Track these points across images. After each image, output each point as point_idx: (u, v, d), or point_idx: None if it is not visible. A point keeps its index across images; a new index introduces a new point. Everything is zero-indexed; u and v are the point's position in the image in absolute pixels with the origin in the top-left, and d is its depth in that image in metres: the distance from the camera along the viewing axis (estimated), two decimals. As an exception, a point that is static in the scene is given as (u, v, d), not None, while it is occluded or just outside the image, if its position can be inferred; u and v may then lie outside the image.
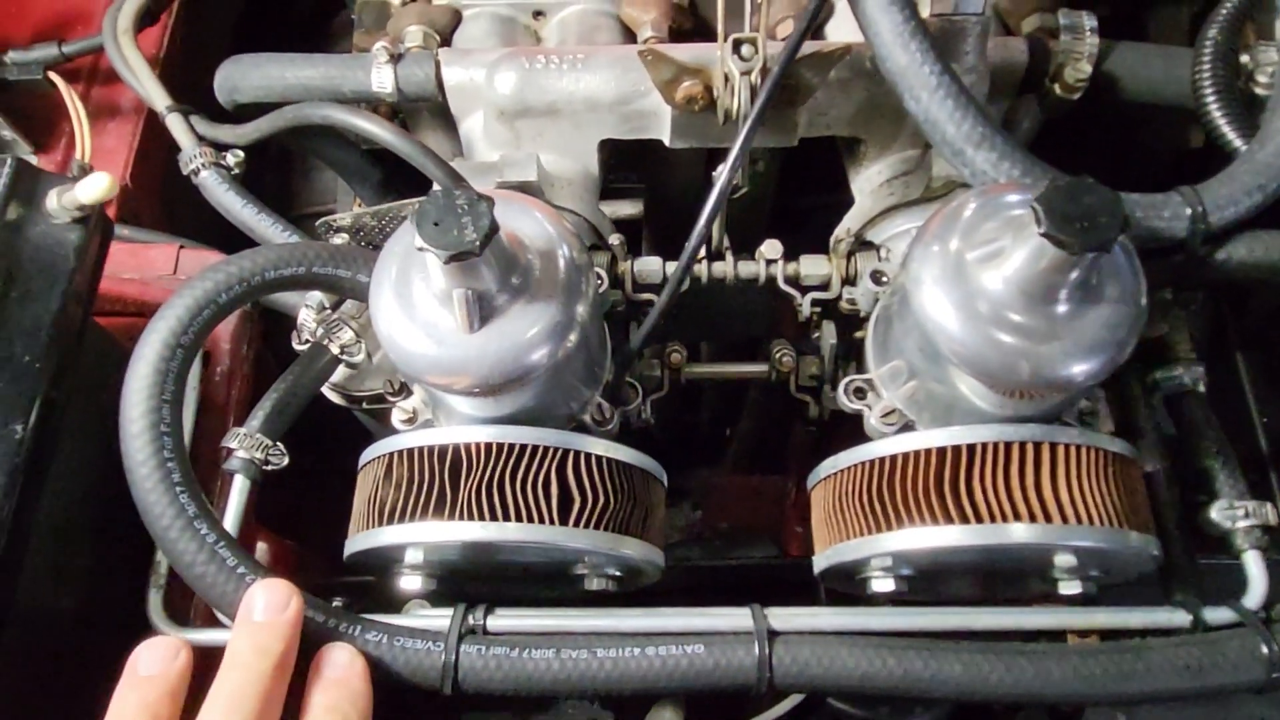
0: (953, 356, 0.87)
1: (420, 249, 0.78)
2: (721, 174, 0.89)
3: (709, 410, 1.95)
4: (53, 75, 1.24)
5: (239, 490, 1.01)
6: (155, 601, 0.98)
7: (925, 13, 1.06)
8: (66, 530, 1.00)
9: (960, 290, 0.86)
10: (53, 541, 0.97)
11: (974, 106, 0.96)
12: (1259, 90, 1.08)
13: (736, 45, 0.93)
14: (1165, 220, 0.94)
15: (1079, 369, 0.85)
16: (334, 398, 1.17)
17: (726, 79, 0.96)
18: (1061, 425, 0.95)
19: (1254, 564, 0.96)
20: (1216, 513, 0.98)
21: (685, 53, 1.05)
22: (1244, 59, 1.10)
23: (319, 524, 1.43)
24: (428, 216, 0.78)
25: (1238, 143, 1.03)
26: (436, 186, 1.09)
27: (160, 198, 1.36)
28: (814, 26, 0.88)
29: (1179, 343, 1.06)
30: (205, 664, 1.07)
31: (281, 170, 1.69)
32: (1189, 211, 0.94)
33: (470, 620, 0.92)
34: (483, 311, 0.84)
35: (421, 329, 0.87)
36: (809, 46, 1.00)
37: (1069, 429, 0.92)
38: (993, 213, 0.87)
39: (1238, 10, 1.08)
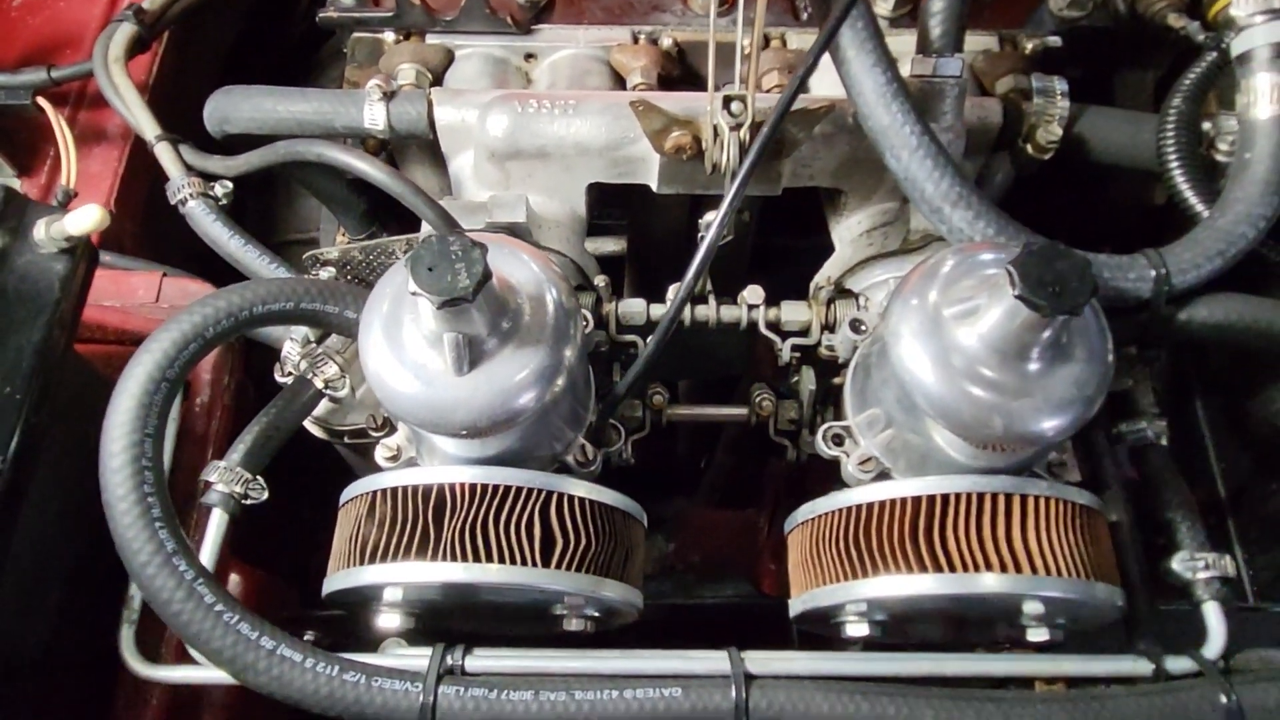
0: (929, 409, 0.89)
1: (414, 293, 0.79)
2: (712, 226, 0.92)
3: (684, 443, 1.96)
4: (41, 100, 1.24)
5: (216, 524, 1.00)
6: (127, 637, 0.97)
7: (906, 74, 1.10)
8: (38, 562, 0.98)
9: (937, 345, 0.88)
10: (24, 573, 0.95)
11: (951, 166, 1.00)
12: (1219, 157, 1.13)
13: (727, 101, 0.96)
14: (1131, 281, 0.98)
15: (1050, 424, 0.88)
16: (316, 431, 1.17)
17: (716, 132, 0.99)
18: (1032, 477, 0.98)
19: (1213, 614, 0.99)
20: (1178, 563, 1.01)
21: (675, 103, 1.08)
22: (1206, 126, 1.16)
23: (289, 552, 1.42)
24: (422, 261, 0.79)
25: (1199, 207, 1.08)
26: (427, 229, 1.10)
27: (144, 224, 1.35)
28: (798, 92, 0.91)
29: (1143, 397, 1.10)
30: (175, 702, 1.07)
31: (264, 197, 1.69)
32: (1154, 274, 0.98)
33: (449, 660, 0.92)
34: (472, 355, 0.85)
35: (411, 370, 0.87)
36: (796, 102, 1.03)
37: (1039, 481, 0.95)
38: (970, 271, 0.90)
39: (1201, 80, 1.13)
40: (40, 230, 0.93)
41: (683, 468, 2.01)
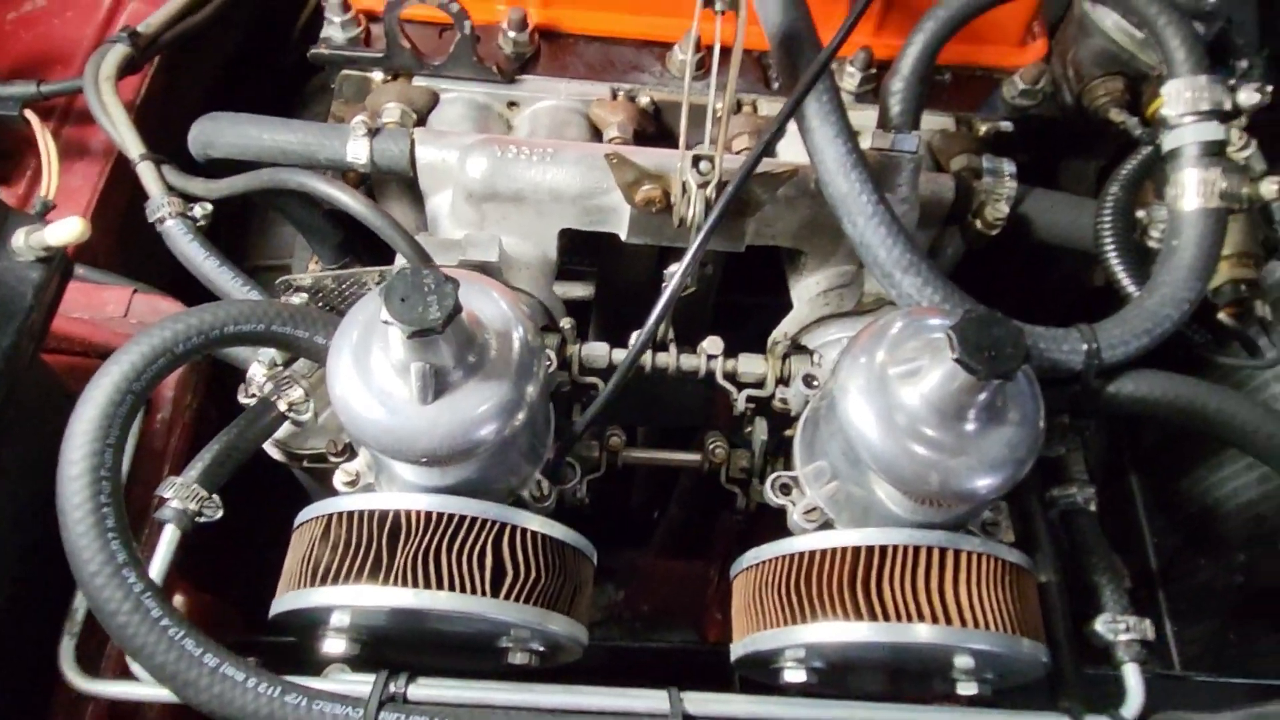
0: (871, 463, 0.94)
1: (386, 322, 0.82)
2: (674, 277, 0.96)
3: (640, 493, 1.99)
4: (28, 113, 1.26)
5: (168, 540, 1.01)
6: (68, 649, 0.97)
7: (867, 146, 1.17)
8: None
9: (882, 402, 0.93)
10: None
11: (904, 235, 1.06)
12: (1151, 243, 1.21)
13: (696, 160, 1.02)
14: (1064, 354, 1.05)
15: (983, 483, 0.92)
16: (275, 454, 1.18)
17: (684, 188, 1.05)
18: (967, 534, 1.03)
19: (1132, 676, 1.04)
20: (1101, 625, 1.06)
21: (647, 158, 1.14)
22: (1141, 214, 1.24)
23: (239, 577, 1.41)
24: (395, 292, 0.82)
25: (1131, 289, 1.15)
26: (402, 260, 1.13)
27: (119, 240, 1.37)
28: (762, 156, 0.97)
29: (1074, 464, 1.16)
30: (111, 717, 1.05)
31: (239, 222, 1.72)
32: (1085, 348, 1.05)
33: (391, 688, 0.93)
34: (437, 385, 0.88)
35: (377, 396, 0.90)
36: (761, 165, 1.09)
37: (972, 538, 1.00)
38: (914, 334, 0.95)
39: (1137, 171, 1.22)
40: (19, 239, 0.95)
41: (637, 519, 2.03)
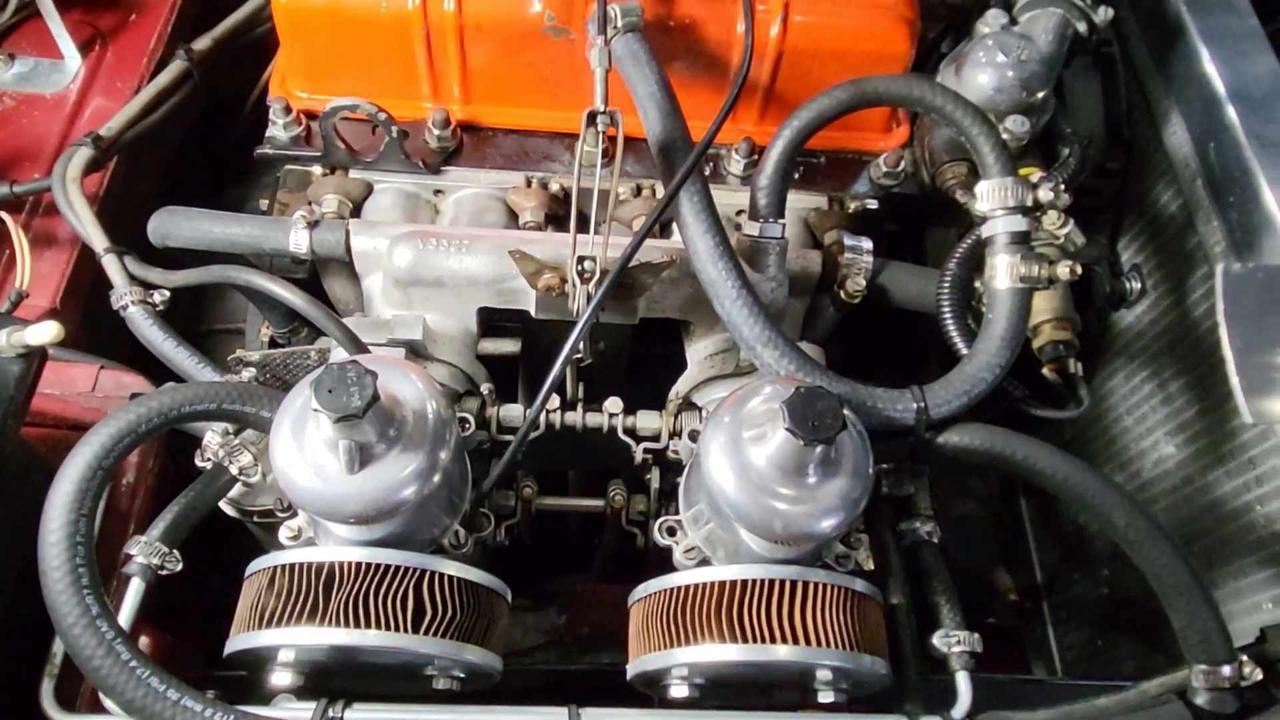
0: (730, 511, 1.13)
1: (315, 409, 1.00)
2: (561, 354, 1.15)
3: (577, 524, 2.16)
4: (3, 214, 1.41)
5: (135, 591, 1.17)
6: (48, 688, 1.12)
7: (737, 236, 1.37)
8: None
9: (736, 460, 1.12)
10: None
11: (764, 314, 1.26)
12: (984, 309, 1.42)
13: (580, 260, 1.21)
14: (899, 412, 1.25)
15: (822, 525, 1.12)
16: (228, 510, 1.34)
17: (572, 283, 1.24)
18: (822, 566, 1.23)
19: (963, 681, 1.23)
20: (937, 639, 1.26)
21: (548, 248, 1.33)
22: (978, 284, 1.45)
23: (197, 618, 1.56)
24: (323, 385, 1.00)
25: (962, 349, 1.36)
26: (334, 354, 1.30)
27: (83, 320, 1.52)
28: (632, 256, 1.17)
29: (920, 502, 1.36)
30: (86, 746, 1.20)
31: (196, 290, 1.87)
32: (915, 406, 1.25)
33: (330, 714, 1.10)
34: (362, 458, 1.06)
35: (311, 468, 1.07)
36: (644, 253, 1.28)
37: (820, 571, 1.19)
38: (763, 403, 1.15)
39: (972, 248, 1.43)
40: (2, 338, 1.11)
41: (577, 546, 2.20)
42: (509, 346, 1.94)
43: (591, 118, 1.19)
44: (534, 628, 2.11)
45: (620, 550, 2.04)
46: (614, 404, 1.41)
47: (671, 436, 1.41)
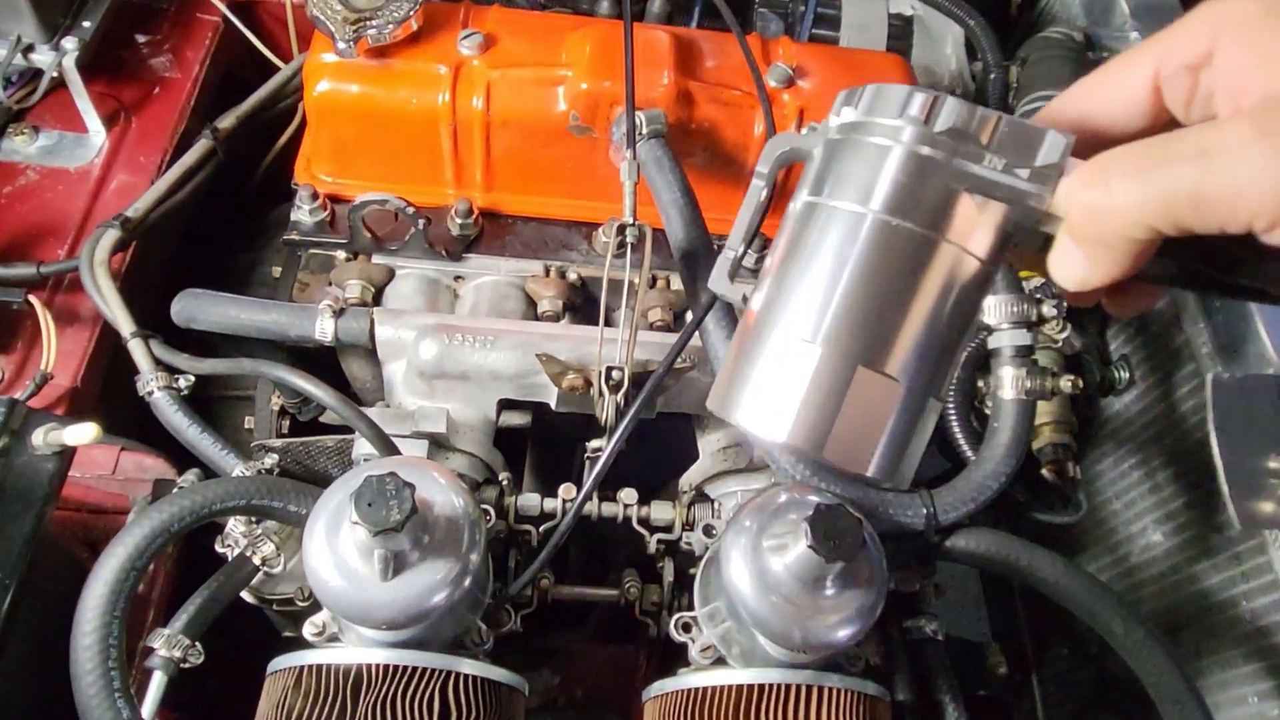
0: (748, 618, 1.16)
1: (354, 523, 1.02)
2: (597, 463, 1.19)
3: (574, 578, 2.18)
4: (32, 298, 1.42)
5: (157, 685, 1.18)
6: (72, 789, 1.12)
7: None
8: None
9: (756, 568, 1.16)
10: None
11: (781, 419, 1.30)
12: (988, 413, 1.47)
13: (608, 372, 1.25)
14: (909, 517, 1.30)
15: (839, 635, 1.16)
16: (248, 598, 1.35)
17: (601, 393, 1.28)
18: (834, 670, 1.26)
19: (967, 781, 1.27)
20: (943, 740, 1.30)
21: (572, 348, 1.37)
22: (980, 384, 1.51)
23: (221, 706, 1.57)
24: (363, 498, 1.03)
25: (968, 453, 1.41)
26: (358, 446, 1.33)
27: (102, 400, 1.54)
28: (662, 379, 1.21)
29: (925, 600, 1.40)
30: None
31: (209, 354, 1.89)
32: (925, 511, 1.29)
33: (354, 814, 1.11)
34: (396, 565, 1.08)
35: (343, 573, 1.09)
36: (661, 351, 1.32)
37: (834, 675, 1.22)
38: (785, 513, 1.19)
39: (978, 356, 1.49)
40: (39, 436, 1.13)
41: (570, 604, 2.22)
42: (518, 420, 1.97)
43: (621, 229, 1.23)
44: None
45: (616, 609, 2.07)
46: (629, 495, 1.44)
47: (684, 528, 1.45)
